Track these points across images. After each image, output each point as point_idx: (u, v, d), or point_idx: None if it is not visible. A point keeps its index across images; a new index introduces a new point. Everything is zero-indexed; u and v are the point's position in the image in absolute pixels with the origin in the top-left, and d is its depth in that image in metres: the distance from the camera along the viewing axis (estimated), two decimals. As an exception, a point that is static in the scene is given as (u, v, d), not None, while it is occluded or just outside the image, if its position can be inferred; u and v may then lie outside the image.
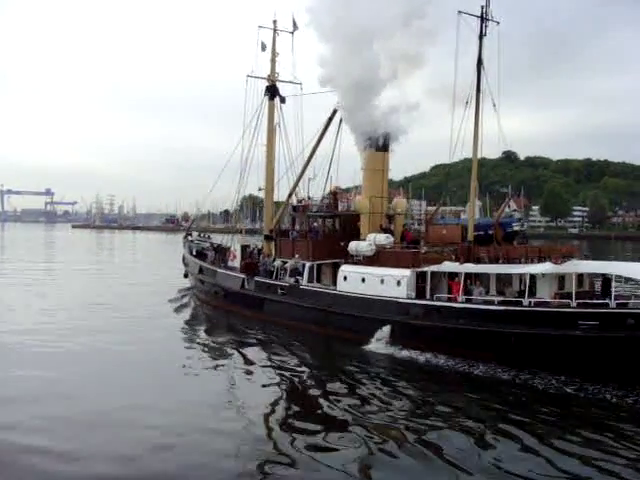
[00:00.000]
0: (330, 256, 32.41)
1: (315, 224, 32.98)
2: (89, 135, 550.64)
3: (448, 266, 27.05)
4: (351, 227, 33.40)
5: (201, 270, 40.49)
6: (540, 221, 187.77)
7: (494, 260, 27.30)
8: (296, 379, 22.93)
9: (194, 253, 43.98)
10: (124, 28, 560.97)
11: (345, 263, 30.55)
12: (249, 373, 23.91)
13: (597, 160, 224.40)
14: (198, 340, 29.00)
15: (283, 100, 39.74)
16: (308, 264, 32.25)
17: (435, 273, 27.32)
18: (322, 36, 32.46)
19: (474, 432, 17.35)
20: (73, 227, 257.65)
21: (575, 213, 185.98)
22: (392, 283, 27.73)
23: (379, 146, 32.57)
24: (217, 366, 24.59)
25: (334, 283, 32.38)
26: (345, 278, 29.92)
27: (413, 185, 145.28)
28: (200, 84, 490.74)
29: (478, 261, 27.74)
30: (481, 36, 28.53)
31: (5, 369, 22.91)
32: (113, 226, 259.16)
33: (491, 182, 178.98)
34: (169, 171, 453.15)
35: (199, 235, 49.33)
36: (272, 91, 40.03)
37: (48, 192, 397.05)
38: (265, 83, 40.42)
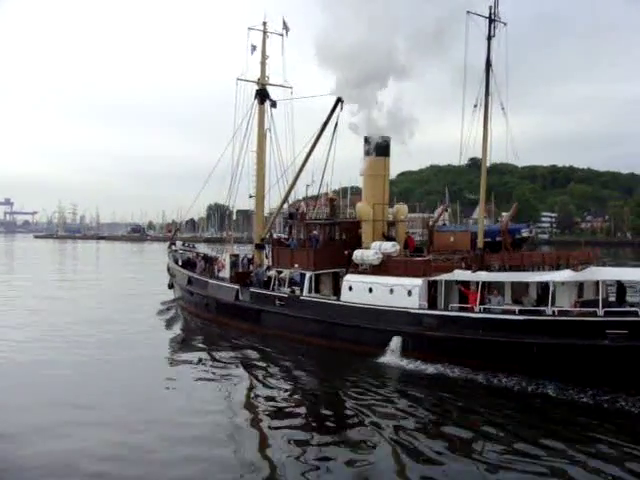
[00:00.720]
0: (331, 265, 31.21)
1: (315, 232, 31.65)
2: (49, 143, 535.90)
3: (461, 274, 26.07)
4: (351, 235, 32.27)
5: (190, 281, 38.82)
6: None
7: (509, 268, 26.40)
8: (304, 394, 22.00)
9: (180, 263, 42.25)
10: (86, 33, 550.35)
11: (349, 272, 29.34)
12: (254, 390, 22.77)
13: (562, 166, 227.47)
14: (196, 357, 27.34)
15: (274, 104, 38.35)
16: (309, 274, 30.96)
17: (447, 282, 26.35)
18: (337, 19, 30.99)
19: (507, 448, 16.52)
20: (35, 237, 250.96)
21: (544, 219, 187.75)
22: (402, 293, 26.63)
23: (380, 150, 31.58)
24: (221, 385, 23.30)
25: (334, 293, 31.26)
26: (350, 288, 28.71)
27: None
28: (165, 91, 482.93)
29: (488, 269, 26.85)
30: (489, 37, 27.63)
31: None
32: (77, 236, 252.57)
33: (459, 188, 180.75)
34: (132, 180, 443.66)
35: (183, 244, 47.57)
36: (262, 95, 38.69)
37: (7, 202, 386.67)
38: (254, 87, 39.05)
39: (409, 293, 26.42)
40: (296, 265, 31.55)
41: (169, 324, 36.06)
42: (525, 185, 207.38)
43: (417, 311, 25.99)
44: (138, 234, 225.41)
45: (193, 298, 38.40)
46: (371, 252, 28.54)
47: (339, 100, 34.17)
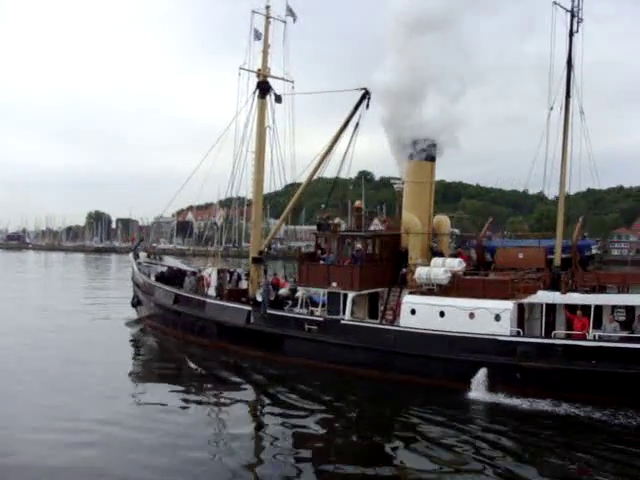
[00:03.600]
0: (374, 284, 27.36)
1: (359, 245, 27.55)
2: None
3: (552, 296, 23.16)
4: (390, 249, 28.59)
5: (177, 299, 33.20)
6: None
7: (599, 289, 23.70)
8: (372, 436, 19.04)
9: (153, 278, 36.41)
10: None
11: (411, 293, 25.57)
12: (310, 432, 19.19)
13: (452, 182, 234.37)
14: (218, 395, 23.24)
15: (278, 99, 33.70)
16: (351, 294, 26.83)
17: (534, 305, 23.35)
18: None
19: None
20: None
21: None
22: (488, 317, 23.19)
23: (427, 155, 28.26)
24: (265, 429, 19.61)
25: (371, 316, 27.57)
26: (413, 311, 24.91)
27: (271, 202, 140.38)
28: (28, 92, 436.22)
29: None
30: (571, 33, 25.03)
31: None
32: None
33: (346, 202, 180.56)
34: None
35: (148, 256, 41.25)
36: (263, 88, 34.03)
37: None
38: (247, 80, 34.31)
39: (497, 318, 23.03)
40: (334, 284, 27.29)
41: (163, 353, 30.65)
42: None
43: (509, 339, 22.67)
44: (16, 242, 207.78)
45: (180, 319, 32.83)
46: (440, 270, 24.88)
47: (365, 94, 30.56)
